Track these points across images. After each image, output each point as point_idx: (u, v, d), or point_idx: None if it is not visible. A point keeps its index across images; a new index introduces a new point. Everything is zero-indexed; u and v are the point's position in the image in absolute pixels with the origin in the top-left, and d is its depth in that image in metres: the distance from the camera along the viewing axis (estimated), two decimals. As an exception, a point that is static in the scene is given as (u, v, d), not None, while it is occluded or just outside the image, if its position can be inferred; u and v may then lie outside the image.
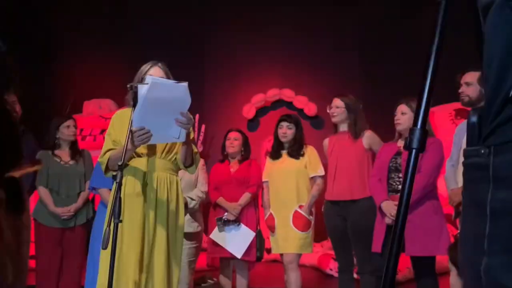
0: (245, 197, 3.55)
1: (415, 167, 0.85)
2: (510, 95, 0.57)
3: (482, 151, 0.61)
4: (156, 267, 2.24)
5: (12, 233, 0.42)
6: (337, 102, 3.32)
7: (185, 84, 2.07)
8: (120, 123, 2.36)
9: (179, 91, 2.07)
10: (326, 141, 3.46)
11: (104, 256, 2.16)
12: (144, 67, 2.40)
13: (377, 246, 2.94)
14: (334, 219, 3.26)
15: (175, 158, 2.38)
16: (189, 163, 2.37)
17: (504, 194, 0.57)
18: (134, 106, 2.20)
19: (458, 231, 3.32)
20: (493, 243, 0.57)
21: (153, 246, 2.25)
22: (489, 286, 0.57)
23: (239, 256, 3.43)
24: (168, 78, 2.36)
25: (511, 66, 0.58)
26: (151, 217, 2.25)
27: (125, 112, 2.40)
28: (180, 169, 2.45)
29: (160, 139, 2.22)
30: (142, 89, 2.04)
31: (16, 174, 0.44)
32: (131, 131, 2.11)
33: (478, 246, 0.59)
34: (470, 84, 2.87)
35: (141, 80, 2.35)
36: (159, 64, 2.41)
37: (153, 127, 2.12)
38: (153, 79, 2.04)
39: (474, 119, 0.65)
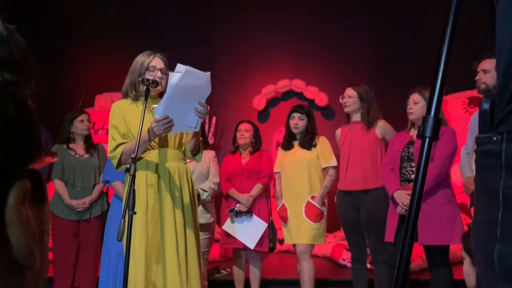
0: (257, 188, 3.57)
1: (429, 155, 0.85)
2: None
3: (494, 138, 0.60)
4: (168, 257, 2.24)
5: (36, 223, 0.44)
6: (350, 91, 3.30)
7: (208, 73, 2.07)
8: (121, 115, 2.32)
9: (203, 80, 2.07)
10: (338, 131, 3.45)
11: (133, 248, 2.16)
12: (145, 58, 2.36)
13: (390, 235, 2.94)
14: (346, 209, 3.26)
15: (184, 148, 2.39)
16: (196, 151, 2.39)
17: None
18: (146, 98, 2.22)
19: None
20: (505, 230, 0.57)
21: (165, 237, 2.25)
22: (502, 273, 0.57)
23: (251, 246, 3.45)
24: (167, 68, 2.36)
25: None
26: (167, 208, 2.26)
27: (124, 103, 2.36)
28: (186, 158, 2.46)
29: (178, 128, 2.20)
30: (173, 77, 2.02)
31: (36, 166, 0.45)
32: (154, 120, 2.10)
33: (491, 233, 0.59)
34: (488, 71, 2.83)
35: (144, 72, 2.34)
36: (158, 54, 2.39)
37: (175, 116, 2.11)
38: (187, 68, 2.01)
39: (486, 106, 0.65)
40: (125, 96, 2.40)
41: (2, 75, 0.41)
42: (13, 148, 0.41)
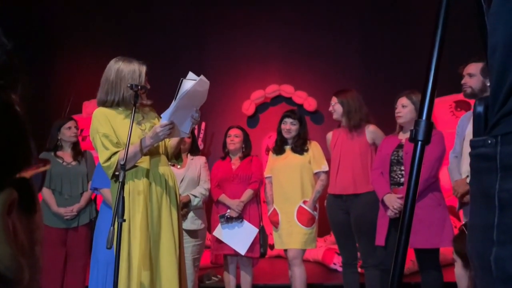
0: (247, 193, 3.55)
1: (421, 159, 0.85)
2: None
3: (489, 141, 0.60)
4: (164, 263, 2.22)
5: (25, 234, 0.42)
6: (333, 99, 3.37)
7: (208, 81, 2.13)
8: (108, 122, 2.25)
9: (204, 88, 2.13)
10: (329, 135, 3.48)
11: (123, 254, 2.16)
12: (138, 67, 2.31)
13: (380, 239, 2.94)
14: (337, 213, 3.27)
15: (167, 152, 2.43)
16: (177, 155, 2.45)
17: None
18: (135, 104, 2.20)
19: (462, 222, 3.33)
20: (502, 233, 0.57)
21: (160, 242, 2.24)
22: (499, 277, 0.57)
23: (242, 252, 3.43)
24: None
25: None
26: (161, 213, 2.25)
27: (108, 111, 2.30)
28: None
29: (176, 133, 2.25)
30: (187, 84, 2.05)
31: (27, 174, 0.44)
32: (160, 125, 2.13)
33: (487, 237, 0.59)
34: (473, 75, 2.87)
35: (144, 81, 2.33)
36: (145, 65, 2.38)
37: (177, 122, 2.17)
38: (201, 76, 2.07)
39: (480, 109, 0.65)
40: (105, 104, 2.32)
41: None
42: None
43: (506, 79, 0.58)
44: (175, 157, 2.43)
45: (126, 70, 2.30)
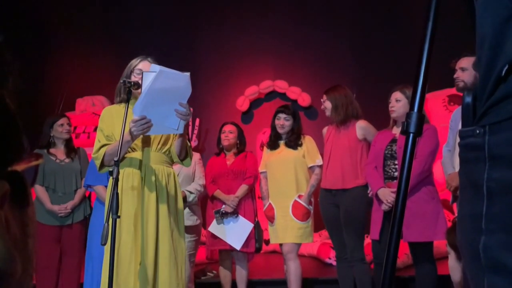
0: (242, 189, 3.56)
1: (413, 151, 0.86)
2: (503, 74, 0.57)
3: (477, 131, 0.61)
4: (161, 262, 2.23)
5: (18, 226, 0.42)
6: (324, 97, 3.40)
7: (188, 74, 2.05)
8: (110, 119, 2.33)
9: (182, 81, 2.04)
10: (325, 130, 3.51)
11: (108, 252, 2.15)
12: (134, 61, 2.38)
13: (374, 233, 2.96)
14: (328, 207, 3.29)
15: (169, 151, 2.37)
16: (183, 156, 2.36)
17: (500, 174, 0.57)
18: (128, 100, 2.19)
19: (456, 215, 3.36)
20: (490, 222, 0.58)
21: (157, 240, 2.24)
22: (487, 264, 0.58)
23: (238, 247, 3.44)
24: None
25: (503, 45, 0.58)
26: (151, 210, 2.24)
27: (114, 108, 2.39)
28: (173, 162, 2.44)
29: (159, 130, 2.19)
30: (148, 77, 2.00)
31: (19, 168, 0.44)
32: (131, 121, 2.09)
33: (476, 226, 0.60)
34: (466, 69, 2.88)
35: (130, 74, 2.33)
36: (149, 59, 2.39)
37: (154, 117, 2.09)
38: (160, 68, 2.00)
39: (468, 99, 0.65)
40: (117, 101, 2.42)
41: None
42: None
43: (493, 71, 0.59)
44: (180, 158, 2.36)
45: (126, 67, 2.38)
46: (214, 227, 3.52)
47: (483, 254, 0.58)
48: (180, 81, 2.04)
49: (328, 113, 3.38)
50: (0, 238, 0.39)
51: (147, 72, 2.03)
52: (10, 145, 0.41)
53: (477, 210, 0.59)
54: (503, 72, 0.57)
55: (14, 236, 0.41)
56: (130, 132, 2.13)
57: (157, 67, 2.00)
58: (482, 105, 0.61)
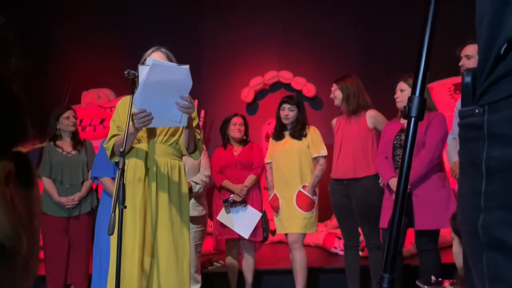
0: (251, 178, 3.59)
1: (415, 135, 0.86)
2: (502, 52, 0.57)
3: (477, 111, 0.61)
4: (160, 252, 2.25)
5: (23, 206, 0.43)
6: (334, 86, 3.38)
7: (187, 67, 2.04)
8: (123, 110, 2.37)
9: (181, 74, 2.04)
10: (334, 121, 3.51)
11: (114, 243, 2.17)
12: (147, 53, 2.39)
13: (384, 222, 2.98)
14: (338, 197, 3.30)
15: (177, 144, 2.38)
16: (192, 149, 2.36)
17: (499, 152, 0.58)
18: (132, 91, 2.21)
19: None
20: (489, 199, 0.58)
21: (156, 232, 2.27)
22: (486, 242, 0.59)
23: (246, 236, 3.48)
24: (171, 61, 2.35)
25: (502, 24, 0.58)
26: (153, 202, 2.26)
27: (129, 98, 2.39)
28: (183, 155, 2.45)
29: (161, 122, 2.19)
30: (143, 71, 2.01)
31: (23, 149, 0.44)
32: (132, 114, 2.11)
33: (475, 204, 0.60)
34: (471, 57, 2.86)
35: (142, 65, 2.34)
36: (161, 49, 2.39)
37: (154, 110, 2.10)
38: (154, 61, 2.02)
39: (468, 79, 0.65)
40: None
41: None
42: None
43: (492, 49, 0.59)
44: (189, 151, 2.36)
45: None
46: (222, 216, 3.55)
47: (482, 232, 0.58)
48: (178, 74, 2.04)
49: (337, 102, 3.36)
50: (6, 216, 0.39)
51: (143, 66, 2.04)
52: (14, 125, 0.41)
53: (476, 188, 0.60)
54: (502, 50, 0.57)
55: (19, 215, 0.42)
56: (133, 124, 2.15)
57: (150, 60, 2.02)
58: (481, 84, 0.61)
